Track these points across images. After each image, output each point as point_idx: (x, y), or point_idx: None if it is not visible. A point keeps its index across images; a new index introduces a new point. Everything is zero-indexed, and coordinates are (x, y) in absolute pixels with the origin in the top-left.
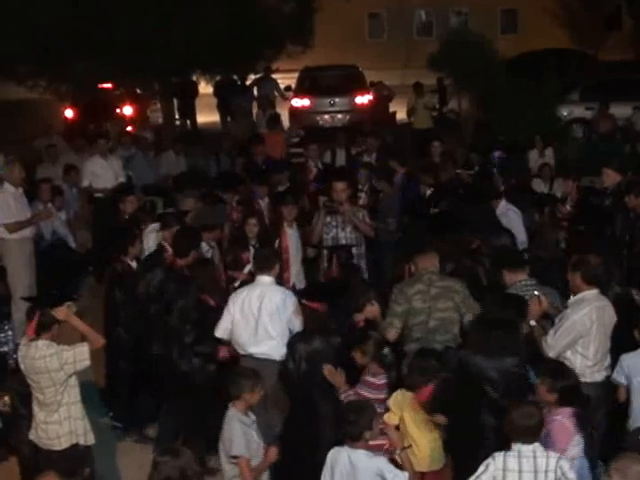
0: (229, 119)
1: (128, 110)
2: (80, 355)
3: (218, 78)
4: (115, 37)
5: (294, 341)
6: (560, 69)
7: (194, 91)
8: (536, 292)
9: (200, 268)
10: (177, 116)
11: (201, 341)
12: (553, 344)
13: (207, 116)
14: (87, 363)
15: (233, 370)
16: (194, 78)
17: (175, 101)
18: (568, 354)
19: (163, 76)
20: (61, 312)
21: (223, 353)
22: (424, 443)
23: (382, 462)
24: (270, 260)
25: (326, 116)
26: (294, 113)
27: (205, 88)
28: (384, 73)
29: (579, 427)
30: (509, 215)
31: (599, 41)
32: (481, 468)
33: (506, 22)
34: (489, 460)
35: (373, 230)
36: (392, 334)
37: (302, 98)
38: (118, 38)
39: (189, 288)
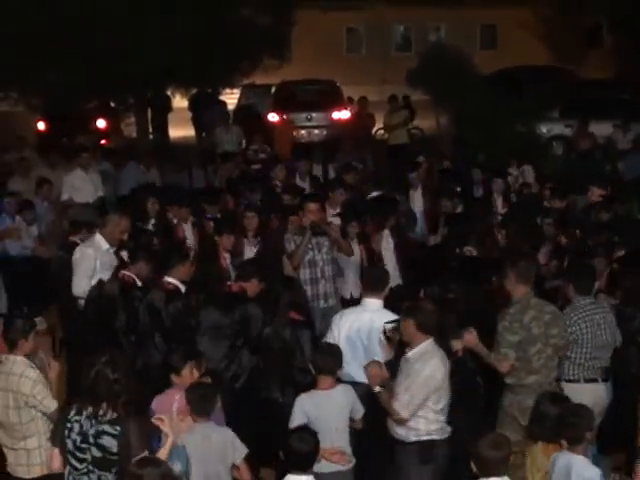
0: (204, 134)
1: (102, 123)
2: (48, 404)
3: (193, 92)
4: (88, 48)
5: None
6: (540, 86)
7: (168, 105)
8: (376, 357)
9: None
10: (151, 130)
11: None
12: (406, 404)
13: (182, 130)
14: (50, 410)
15: None
16: (169, 92)
17: (149, 114)
18: (420, 412)
19: (138, 89)
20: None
21: None
22: None
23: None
24: (381, 280)
25: (303, 131)
26: (270, 128)
27: (180, 102)
28: (362, 88)
29: None
30: None
31: (579, 58)
32: None
33: (485, 38)
34: None
35: (351, 250)
36: (507, 367)
37: (279, 113)
38: (91, 49)
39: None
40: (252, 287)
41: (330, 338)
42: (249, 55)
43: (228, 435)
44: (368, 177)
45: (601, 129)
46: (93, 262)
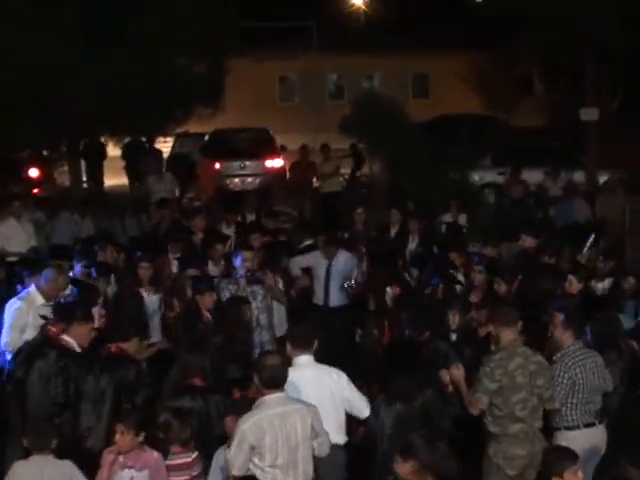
0: (137, 182)
1: (34, 172)
2: None
3: (126, 140)
4: (20, 96)
5: None
6: (472, 134)
7: (102, 153)
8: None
9: None
10: (84, 178)
11: None
12: (233, 459)
13: (115, 179)
14: None
15: None
16: (102, 140)
17: (83, 163)
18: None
19: (71, 137)
20: None
21: None
22: None
23: None
24: (309, 336)
25: (236, 180)
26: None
27: (113, 150)
28: (295, 136)
29: None
30: None
31: (512, 106)
32: None
33: (418, 87)
34: None
35: (285, 298)
36: (476, 411)
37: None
38: (24, 97)
39: None
40: (132, 348)
41: None
42: (183, 104)
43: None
44: (303, 225)
45: (532, 176)
46: (25, 317)
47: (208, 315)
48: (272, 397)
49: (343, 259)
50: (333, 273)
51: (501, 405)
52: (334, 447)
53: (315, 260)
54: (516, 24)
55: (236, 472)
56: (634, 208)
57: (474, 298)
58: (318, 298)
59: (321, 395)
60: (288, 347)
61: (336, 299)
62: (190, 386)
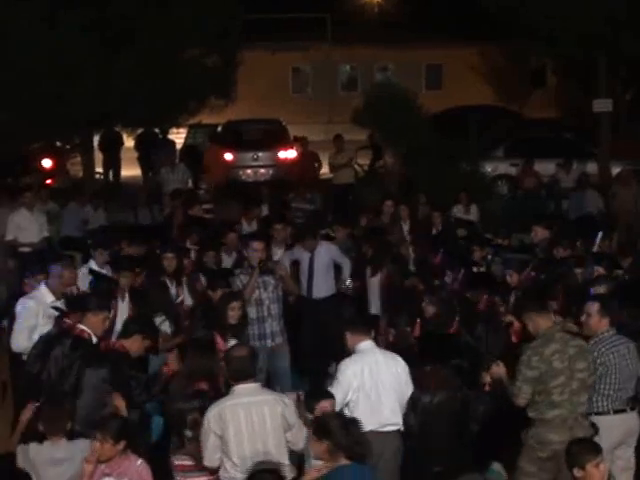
0: (150, 173)
1: (47, 163)
2: None
3: (139, 131)
4: (29, 88)
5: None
6: (485, 125)
7: (119, 141)
8: None
9: None
10: (101, 169)
11: None
12: (202, 450)
13: (128, 170)
14: None
15: None
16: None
17: (101, 153)
18: None
19: (83, 129)
20: None
21: None
22: None
23: None
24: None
25: (249, 171)
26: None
27: (127, 141)
28: (308, 128)
29: None
30: None
31: (524, 98)
32: None
33: (431, 78)
34: None
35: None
36: (521, 401)
37: (225, 152)
38: (36, 92)
39: None
40: (135, 344)
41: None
42: (196, 95)
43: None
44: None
45: (545, 168)
46: (34, 318)
47: None
48: (241, 387)
49: (324, 250)
50: (316, 265)
51: (541, 391)
52: (396, 432)
53: (299, 254)
54: (529, 18)
55: (207, 463)
56: None
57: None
58: (303, 290)
59: (391, 378)
60: (348, 335)
61: (320, 290)
62: (198, 391)
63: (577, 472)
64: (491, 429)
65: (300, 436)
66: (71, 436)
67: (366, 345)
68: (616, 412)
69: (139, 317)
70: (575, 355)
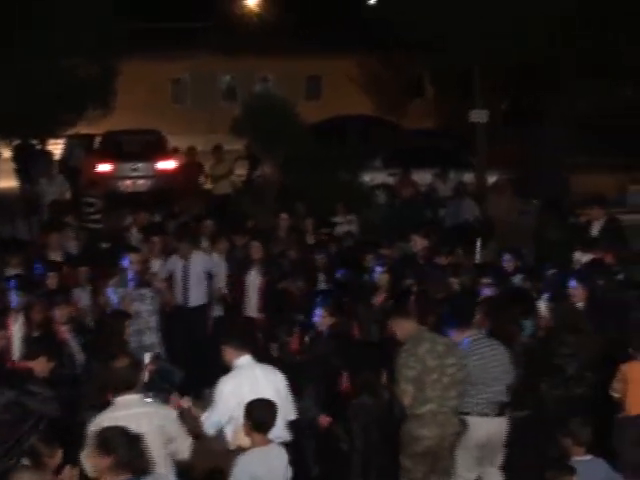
0: (28, 185)
1: None
2: None
3: (16, 143)
4: None
5: None
6: (363, 135)
7: None
8: None
9: None
10: None
11: None
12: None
13: (5, 181)
14: None
15: None
16: None
17: None
18: None
19: None
20: None
21: None
22: None
23: None
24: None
25: (128, 182)
26: (95, 178)
27: (4, 152)
28: (188, 138)
29: None
30: None
31: (402, 109)
32: None
33: (310, 88)
34: None
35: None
36: (408, 401)
37: (103, 163)
38: None
39: None
40: (40, 366)
41: None
42: (73, 105)
43: None
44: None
45: (423, 177)
46: None
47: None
48: (120, 399)
49: (199, 259)
50: (190, 273)
51: (419, 388)
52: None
53: (173, 263)
54: (406, 28)
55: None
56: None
57: (378, 299)
58: (178, 299)
59: (272, 393)
60: (227, 350)
61: (195, 299)
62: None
63: None
64: None
65: (185, 446)
66: None
67: (244, 360)
68: (479, 415)
69: (43, 338)
70: (444, 352)
